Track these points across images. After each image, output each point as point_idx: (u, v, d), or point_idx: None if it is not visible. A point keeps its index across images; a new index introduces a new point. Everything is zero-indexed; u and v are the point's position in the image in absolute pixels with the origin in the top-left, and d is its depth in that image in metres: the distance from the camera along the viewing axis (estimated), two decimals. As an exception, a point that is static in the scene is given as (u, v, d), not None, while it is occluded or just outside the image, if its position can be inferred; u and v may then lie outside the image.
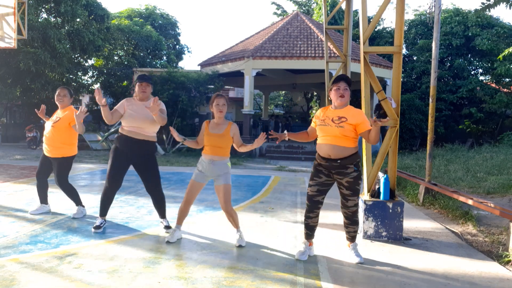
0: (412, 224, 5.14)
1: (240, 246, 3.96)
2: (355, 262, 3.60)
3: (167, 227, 4.46)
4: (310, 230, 3.71)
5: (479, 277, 3.38)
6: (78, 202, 5.02)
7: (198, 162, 4.02)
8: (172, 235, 4.06)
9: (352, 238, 3.74)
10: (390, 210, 4.40)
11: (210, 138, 3.89)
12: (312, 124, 3.73)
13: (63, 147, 4.78)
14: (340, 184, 3.56)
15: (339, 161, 3.46)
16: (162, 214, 4.53)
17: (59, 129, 4.75)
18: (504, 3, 5.58)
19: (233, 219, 4.04)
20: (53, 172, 4.93)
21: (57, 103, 4.85)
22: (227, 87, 26.69)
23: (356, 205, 3.62)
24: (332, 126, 3.45)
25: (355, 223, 3.68)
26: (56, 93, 4.84)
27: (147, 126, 4.20)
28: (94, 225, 4.36)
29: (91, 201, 5.79)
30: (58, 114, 4.86)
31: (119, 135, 4.28)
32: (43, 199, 5.09)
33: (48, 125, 4.83)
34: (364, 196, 4.60)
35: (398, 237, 4.38)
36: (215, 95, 3.98)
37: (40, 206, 5.06)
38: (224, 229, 4.58)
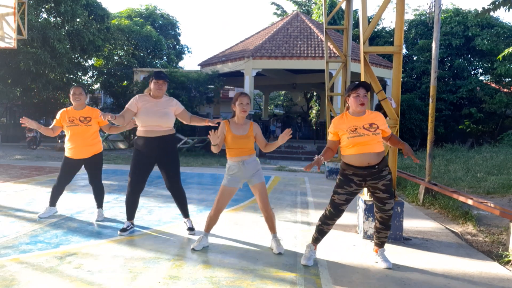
0: (412, 224, 5.14)
1: (279, 254, 3.74)
2: (384, 267, 3.51)
3: (191, 229, 4.34)
4: (321, 236, 3.62)
5: (479, 277, 3.38)
6: (101, 204, 4.96)
7: (227, 168, 3.82)
8: (199, 243, 3.83)
9: (381, 244, 3.62)
10: (390, 210, 4.40)
11: (236, 141, 3.71)
12: (332, 138, 3.52)
13: (95, 144, 4.78)
14: (375, 189, 3.46)
15: (377, 166, 3.39)
16: (185, 213, 4.43)
17: (92, 129, 4.72)
18: (504, 6, 5.58)
19: (272, 221, 3.86)
20: (88, 172, 4.86)
21: (73, 102, 4.75)
22: (227, 87, 26.69)
23: (393, 208, 3.52)
24: (370, 135, 3.34)
25: (389, 228, 3.57)
26: (71, 93, 4.74)
27: (163, 122, 4.14)
28: (121, 228, 4.33)
29: (91, 202, 5.79)
30: (79, 114, 4.73)
31: (137, 137, 4.24)
32: (54, 202, 5.00)
33: (76, 127, 4.68)
34: (364, 196, 4.60)
35: (398, 237, 4.38)
36: (238, 93, 3.78)
37: (48, 209, 4.97)
38: (224, 229, 4.58)
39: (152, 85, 4.19)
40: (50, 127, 4.80)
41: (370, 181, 3.43)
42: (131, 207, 4.35)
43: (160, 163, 4.26)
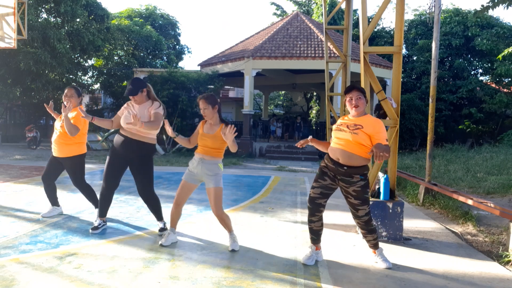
0: (412, 224, 5.14)
1: (233, 251, 3.83)
2: (384, 267, 3.51)
3: (162, 229, 4.35)
4: (314, 235, 3.60)
5: (479, 277, 3.38)
6: (97, 204, 4.87)
7: (189, 162, 3.91)
8: (166, 238, 3.93)
9: (374, 245, 3.63)
10: (390, 210, 4.40)
11: (202, 138, 3.82)
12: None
13: (71, 146, 4.68)
14: (347, 194, 3.47)
15: (345, 167, 3.36)
16: (157, 217, 4.41)
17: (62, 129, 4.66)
18: (503, 4, 5.58)
19: (225, 223, 3.91)
20: (68, 174, 4.86)
21: (64, 103, 4.68)
22: (227, 87, 26.70)
23: (368, 213, 3.49)
24: (346, 132, 3.36)
25: (372, 231, 3.56)
26: (64, 94, 4.72)
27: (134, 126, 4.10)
28: (92, 226, 4.35)
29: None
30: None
31: (117, 134, 4.27)
32: (54, 201, 5.01)
33: (57, 125, 4.74)
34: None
35: (398, 237, 4.38)
36: (198, 97, 3.86)
37: (51, 208, 4.99)
38: (224, 230, 4.57)
39: None
40: None
41: (341, 182, 3.45)
42: (104, 204, 4.34)
43: (131, 168, 4.24)
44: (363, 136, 3.30)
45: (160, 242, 3.92)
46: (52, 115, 5.01)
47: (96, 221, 4.40)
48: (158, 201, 4.38)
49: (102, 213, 4.39)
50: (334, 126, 3.57)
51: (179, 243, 4.06)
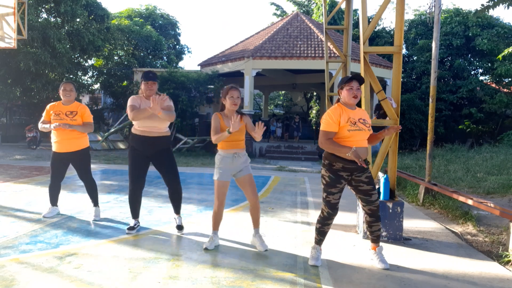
0: (412, 224, 5.14)
1: (266, 251, 3.80)
2: (381, 268, 3.50)
3: (179, 227, 4.39)
4: (324, 236, 3.63)
5: (479, 277, 3.38)
6: (96, 202, 5.00)
7: (218, 161, 3.83)
8: (211, 242, 3.89)
9: (377, 238, 3.62)
10: (390, 210, 4.40)
11: (230, 134, 3.75)
12: (334, 128, 3.37)
13: (81, 138, 4.82)
14: (359, 182, 3.49)
15: (365, 160, 3.46)
16: (177, 209, 4.46)
17: (76, 123, 4.74)
18: (504, 4, 5.58)
19: (257, 213, 3.91)
20: (77, 168, 4.91)
21: (63, 97, 4.76)
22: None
23: (378, 197, 3.60)
24: (365, 130, 3.41)
25: (379, 219, 3.59)
26: (62, 88, 4.75)
27: (160, 123, 4.18)
28: (128, 226, 4.38)
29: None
30: (66, 108, 4.75)
31: (132, 134, 4.28)
32: (55, 201, 5.04)
33: (61, 122, 4.68)
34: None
35: (398, 237, 4.38)
36: (229, 86, 3.83)
37: (52, 209, 5.01)
38: (224, 229, 4.57)
39: (142, 87, 4.24)
40: (43, 124, 4.79)
41: (356, 175, 3.48)
42: (135, 205, 4.39)
43: (156, 162, 4.29)
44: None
45: (204, 246, 3.86)
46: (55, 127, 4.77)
47: (131, 222, 4.46)
48: (181, 194, 4.45)
49: (136, 214, 4.44)
50: (347, 126, 3.35)
51: (179, 243, 4.06)
